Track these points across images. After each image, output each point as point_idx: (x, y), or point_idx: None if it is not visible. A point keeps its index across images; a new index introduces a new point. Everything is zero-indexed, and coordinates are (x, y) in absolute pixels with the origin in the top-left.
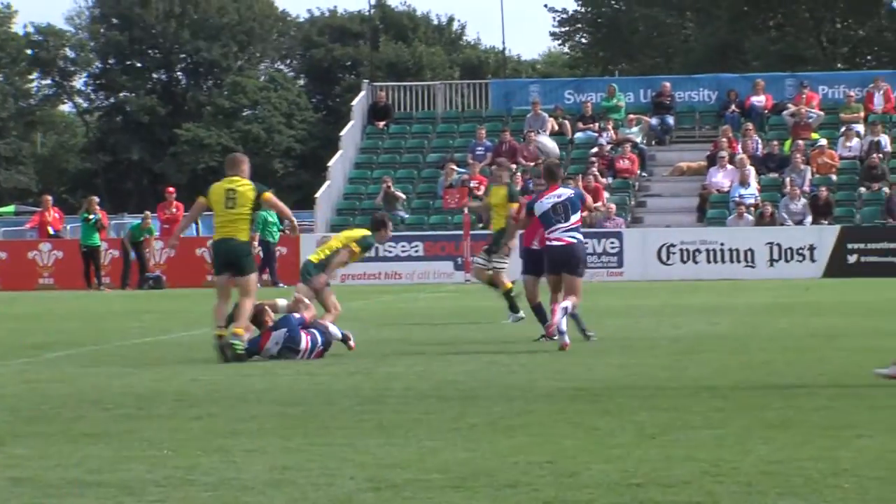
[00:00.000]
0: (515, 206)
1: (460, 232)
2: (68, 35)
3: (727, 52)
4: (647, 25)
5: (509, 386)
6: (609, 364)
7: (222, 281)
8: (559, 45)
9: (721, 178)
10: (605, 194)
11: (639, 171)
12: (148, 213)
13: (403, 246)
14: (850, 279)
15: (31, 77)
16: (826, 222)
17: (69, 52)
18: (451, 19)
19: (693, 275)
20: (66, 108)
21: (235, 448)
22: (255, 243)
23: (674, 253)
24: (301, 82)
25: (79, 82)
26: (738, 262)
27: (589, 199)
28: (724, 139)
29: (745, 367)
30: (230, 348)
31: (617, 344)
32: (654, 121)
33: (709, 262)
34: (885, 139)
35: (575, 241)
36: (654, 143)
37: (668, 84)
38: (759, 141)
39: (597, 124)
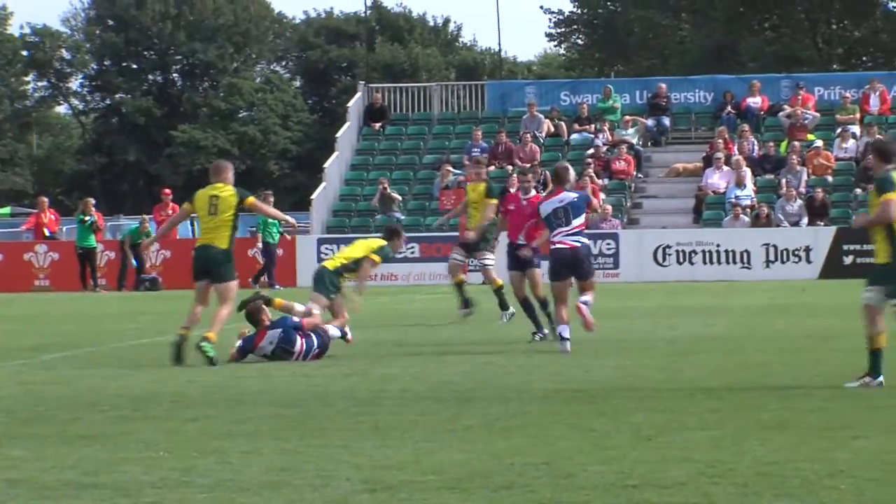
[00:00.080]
0: (494, 201)
1: (456, 234)
2: (64, 36)
3: (723, 53)
4: (643, 27)
5: (505, 387)
6: (605, 365)
7: (201, 286)
8: (555, 46)
9: (717, 180)
10: (602, 195)
11: (635, 173)
12: (145, 216)
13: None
14: (845, 280)
15: (26, 78)
16: (822, 223)
17: (65, 54)
18: (447, 21)
19: (689, 276)
20: (61, 109)
21: (232, 449)
22: (259, 244)
23: (670, 254)
24: (297, 84)
25: (75, 84)
26: (735, 263)
27: (594, 200)
28: (720, 140)
29: (741, 368)
30: (201, 352)
31: (613, 345)
32: (650, 122)
33: (705, 263)
34: None
35: (579, 244)
36: (650, 144)
37: (664, 85)
38: (755, 142)
39: (593, 126)
